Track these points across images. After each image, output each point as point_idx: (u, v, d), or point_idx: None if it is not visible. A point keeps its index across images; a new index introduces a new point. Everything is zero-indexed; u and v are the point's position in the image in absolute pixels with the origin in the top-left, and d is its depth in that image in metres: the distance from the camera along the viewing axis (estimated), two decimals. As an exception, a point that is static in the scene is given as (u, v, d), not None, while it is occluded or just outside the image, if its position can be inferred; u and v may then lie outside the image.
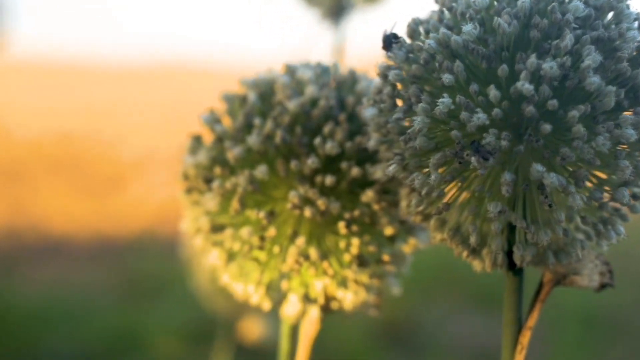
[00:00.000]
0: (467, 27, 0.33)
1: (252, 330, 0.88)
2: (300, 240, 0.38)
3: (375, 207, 0.38)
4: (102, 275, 2.63)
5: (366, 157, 0.39)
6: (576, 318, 2.31)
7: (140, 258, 2.69)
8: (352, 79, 0.41)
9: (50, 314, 2.24)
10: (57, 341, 2.07)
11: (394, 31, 0.36)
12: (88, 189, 3.68)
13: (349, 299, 0.41)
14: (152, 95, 5.55)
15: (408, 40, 0.36)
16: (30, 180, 3.76)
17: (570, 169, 0.33)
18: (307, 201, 0.38)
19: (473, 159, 0.32)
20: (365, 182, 0.38)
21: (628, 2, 0.35)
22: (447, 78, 0.33)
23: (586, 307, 2.44)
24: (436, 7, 0.37)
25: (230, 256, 0.41)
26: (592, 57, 0.32)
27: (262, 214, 0.38)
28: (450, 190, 0.35)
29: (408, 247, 0.41)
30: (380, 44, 0.36)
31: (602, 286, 0.37)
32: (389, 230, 0.39)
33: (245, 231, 0.39)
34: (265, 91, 0.41)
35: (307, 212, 0.38)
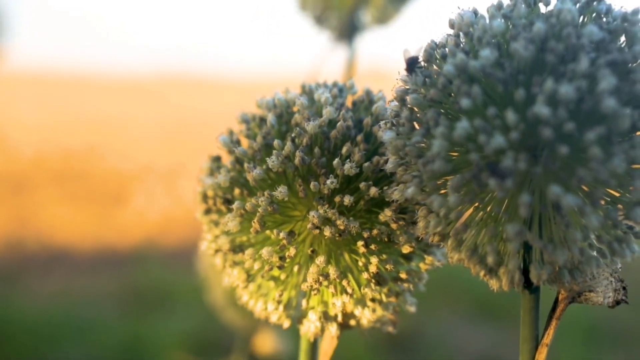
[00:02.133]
0: (485, 52, 0.34)
1: (266, 343, 0.89)
2: (320, 260, 0.39)
3: (393, 226, 0.39)
4: (105, 286, 2.65)
5: (383, 177, 0.39)
6: (577, 326, 2.32)
7: (143, 268, 2.70)
8: (368, 99, 0.42)
9: (55, 325, 2.25)
10: (62, 352, 2.07)
11: (417, 55, 0.37)
12: (90, 201, 3.70)
13: (366, 316, 0.41)
14: (151, 107, 5.57)
15: (424, 64, 0.37)
16: (33, 193, 3.78)
17: (586, 189, 0.34)
18: (326, 221, 0.39)
19: (491, 181, 0.33)
20: (382, 201, 0.39)
21: (640, 26, 0.36)
22: (465, 102, 0.33)
23: (587, 315, 2.44)
24: (451, 31, 0.38)
25: (250, 276, 0.42)
26: (607, 80, 0.32)
27: (282, 234, 0.39)
28: (467, 211, 0.36)
29: (425, 264, 0.41)
30: (402, 65, 0.37)
31: (617, 303, 0.38)
32: (406, 249, 0.39)
33: (265, 251, 0.39)
34: (283, 112, 0.41)
35: (327, 231, 0.38)
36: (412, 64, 0.37)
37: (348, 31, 0.68)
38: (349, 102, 0.42)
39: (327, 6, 0.70)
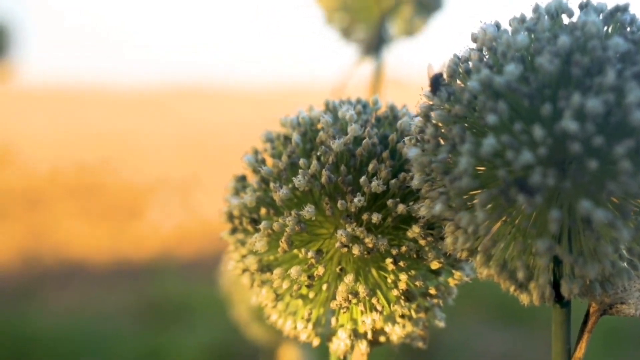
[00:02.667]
0: (510, 67, 0.34)
1: (291, 357, 0.89)
2: (349, 278, 0.39)
3: (422, 242, 0.38)
4: (121, 299, 2.65)
5: (409, 193, 0.39)
6: (597, 329, 2.30)
7: (159, 281, 2.71)
8: (393, 114, 0.42)
9: (72, 339, 2.25)
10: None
11: (441, 71, 0.37)
12: (105, 215, 3.71)
13: (397, 332, 0.41)
14: (164, 120, 5.58)
15: (447, 80, 0.37)
16: (48, 208, 3.79)
17: (616, 201, 0.34)
18: (355, 239, 0.38)
19: (519, 197, 0.33)
20: (409, 217, 0.39)
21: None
22: (491, 119, 0.33)
23: (607, 318, 2.42)
24: (474, 45, 0.37)
25: (278, 295, 0.42)
26: (634, 93, 0.32)
27: (310, 254, 0.39)
28: (495, 226, 0.36)
29: (453, 280, 0.41)
30: (426, 83, 0.37)
31: (649, 314, 0.38)
32: (435, 265, 0.39)
33: (294, 270, 0.39)
34: (307, 130, 0.41)
35: (356, 250, 0.38)
36: (436, 82, 0.37)
37: (375, 43, 0.68)
38: (372, 118, 0.42)
39: (354, 19, 0.70)
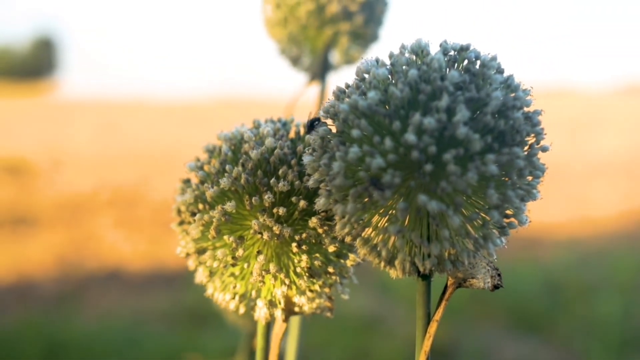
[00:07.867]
0: (371, 94, 0.44)
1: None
2: (261, 258, 0.50)
3: (320, 230, 0.49)
4: (156, 304, 2.76)
5: (315, 192, 0.50)
6: (611, 333, 2.37)
7: (192, 287, 2.82)
8: (305, 130, 0.53)
9: (108, 342, 2.36)
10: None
11: (316, 117, 0.48)
12: (142, 226, 3.84)
13: (304, 303, 0.52)
14: (203, 133, 5.72)
15: (337, 102, 0.48)
16: (90, 219, 3.94)
17: (454, 198, 0.44)
18: (265, 227, 0.49)
19: (375, 193, 0.43)
20: (314, 212, 0.50)
21: (498, 69, 0.46)
22: (354, 133, 0.44)
23: (622, 321, 2.48)
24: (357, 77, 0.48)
25: (211, 273, 0.53)
26: (462, 113, 0.42)
27: (232, 239, 0.50)
28: (371, 216, 0.46)
29: (350, 261, 0.52)
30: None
31: (495, 287, 0.47)
32: (331, 249, 0.50)
33: (220, 252, 0.50)
34: (237, 143, 0.52)
35: (265, 235, 0.49)
36: (310, 125, 0.48)
37: (320, 71, 0.78)
38: (293, 133, 0.53)
39: (301, 49, 0.80)
